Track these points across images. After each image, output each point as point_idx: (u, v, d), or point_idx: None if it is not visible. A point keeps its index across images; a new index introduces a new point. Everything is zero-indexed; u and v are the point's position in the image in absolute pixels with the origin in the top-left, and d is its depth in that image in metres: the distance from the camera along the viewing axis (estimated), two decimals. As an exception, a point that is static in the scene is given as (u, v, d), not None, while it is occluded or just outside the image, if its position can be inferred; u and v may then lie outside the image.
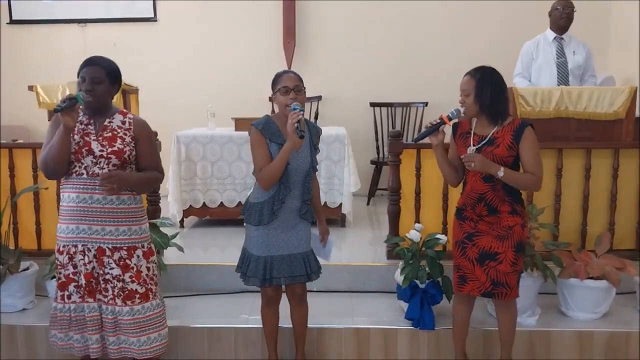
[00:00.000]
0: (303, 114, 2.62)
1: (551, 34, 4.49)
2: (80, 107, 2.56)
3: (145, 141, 2.72)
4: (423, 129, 2.81)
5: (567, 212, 3.73)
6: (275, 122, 2.74)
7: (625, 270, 3.28)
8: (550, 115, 3.88)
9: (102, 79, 2.60)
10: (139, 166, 2.72)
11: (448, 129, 2.82)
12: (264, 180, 2.69)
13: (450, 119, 2.74)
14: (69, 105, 2.45)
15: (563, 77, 4.40)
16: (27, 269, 3.50)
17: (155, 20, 6.01)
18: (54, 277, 3.29)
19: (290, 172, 2.71)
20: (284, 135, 2.69)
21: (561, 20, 4.42)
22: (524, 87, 4.10)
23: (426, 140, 2.82)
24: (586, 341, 3.17)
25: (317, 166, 2.91)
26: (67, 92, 4.24)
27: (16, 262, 3.42)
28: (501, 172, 2.62)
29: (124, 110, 2.78)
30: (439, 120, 2.74)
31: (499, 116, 2.70)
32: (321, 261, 2.95)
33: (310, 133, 2.80)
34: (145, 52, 5.95)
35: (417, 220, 3.68)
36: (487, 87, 2.65)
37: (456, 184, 2.91)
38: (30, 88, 4.38)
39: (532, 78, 4.51)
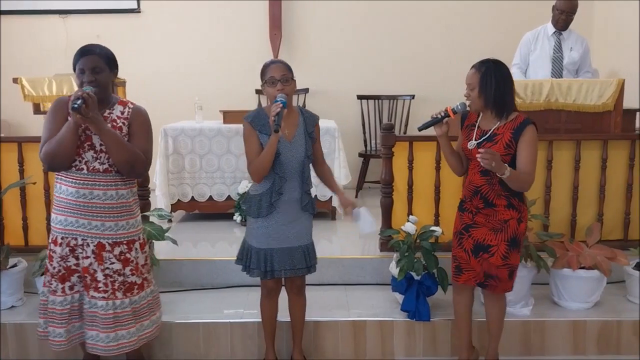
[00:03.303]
0: (283, 107, 2.55)
1: (551, 28, 4.52)
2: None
3: (136, 124, 2.61)
4: (428, 119, 2.78)
5: (557, 203, 3.77)
6: (267, 113, 2.70)
7: (616, 260, 3.33)
8: (541, 107, 3.92)
9: (102, 67, 2.53)
10: None
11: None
12: (253, 174, 2.69)
13: (454, 112, 2.72)
14: (80, 106, 2.37)
15: (557, 73, 4.44)
16: (15, 265, 3.43)
17: (139, 12, 5.90)
18: (43, 273, 3.23)
19: (283, 162, 2.68)
20: None
21: (557, 24, 4.48)
22: (515, 80, 4.11)
23: (423, 132, 2.83)
24: (579, 330, 3.22)
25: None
26: (54, 85, 4.17)
27: (4, 259, 3.35)
28: (507, 173, 2.53)
29: (124, 100, 2.68)
30: (443, 113, 2.72)
31: (504, 110, 2.67)
32: (320, 253, 2.94)
33: (305, 122, 2.76)
34: (129, 44, 5.82)
35: (410, 213, 3.69)
36: (492, 81, 2.62)
37: (461, 174, 2.91)
38: (15, 80, 4.28)
39: (529, 70, 4.53)
